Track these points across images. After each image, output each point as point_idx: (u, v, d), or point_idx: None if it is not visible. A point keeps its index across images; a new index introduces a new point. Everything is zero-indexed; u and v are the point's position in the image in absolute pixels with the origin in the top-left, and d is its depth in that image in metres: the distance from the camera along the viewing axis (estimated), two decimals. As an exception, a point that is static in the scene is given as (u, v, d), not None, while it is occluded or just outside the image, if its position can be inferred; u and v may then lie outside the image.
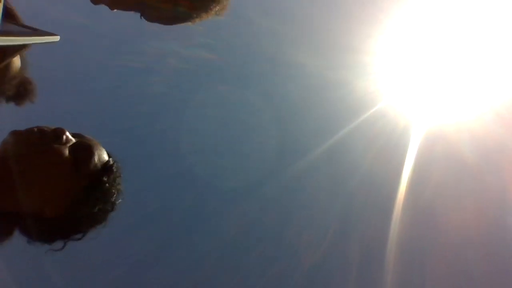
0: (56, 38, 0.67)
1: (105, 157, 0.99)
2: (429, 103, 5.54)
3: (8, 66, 1.18)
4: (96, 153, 0.95)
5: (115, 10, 0.98)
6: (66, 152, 0.89)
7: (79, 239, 0.98)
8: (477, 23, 4.86)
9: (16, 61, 1.26)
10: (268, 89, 5.70)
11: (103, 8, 0.97)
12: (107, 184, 0.95)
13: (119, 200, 1.00)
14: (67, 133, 0.91)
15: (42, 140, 0.87)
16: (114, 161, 1.00)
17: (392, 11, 4.99)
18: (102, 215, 0.98)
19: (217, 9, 0.99)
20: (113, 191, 0.98)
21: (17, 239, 0.96)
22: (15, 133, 0.89)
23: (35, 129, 0.89)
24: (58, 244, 0.98)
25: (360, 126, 5.28)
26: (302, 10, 5.18)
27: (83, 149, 0.92)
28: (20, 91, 1.40)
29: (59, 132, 0.89)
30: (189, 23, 1.03)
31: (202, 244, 5.67)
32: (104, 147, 1.03)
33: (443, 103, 5.48)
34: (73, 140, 0.93)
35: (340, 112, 5.60)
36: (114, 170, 0.98)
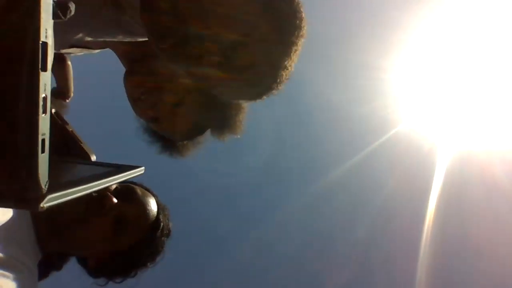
0: (141, 170, 0.64)
1: (152, 216, 1.03)
2: (460, 127, 5.36)
3: None
4: (136, 223, 1.00)
5: None
6: (106, 224, 0.96)
7: (119, 282, 1.07)
8: None
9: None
10: (287, 108, 5.63)
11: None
12: (148, 247, 1.04)
13: (159, 256, 1.10)
14: (112, 201, 0.96)
15: (87, 209, 0.93)
16: (161, 221, 1.06)
17: (417, 29, 4.89)
18: (141, 267, 1.08)
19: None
20: (154, 251, 1.07)
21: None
22: None
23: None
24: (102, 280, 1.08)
25: (385, 146, 5.13)
26: (320, 27, 5.13)
27: (123, 221, 0.98)
28: None
29: (104, 202, 0.95)
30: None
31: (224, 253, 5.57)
32: (156, 198, 1.09)
33: (474, 126, 5.28)
34: (116, 205, 0.97)
35: (364, 131, 5.48)
36: (158, 233, 1.05)
